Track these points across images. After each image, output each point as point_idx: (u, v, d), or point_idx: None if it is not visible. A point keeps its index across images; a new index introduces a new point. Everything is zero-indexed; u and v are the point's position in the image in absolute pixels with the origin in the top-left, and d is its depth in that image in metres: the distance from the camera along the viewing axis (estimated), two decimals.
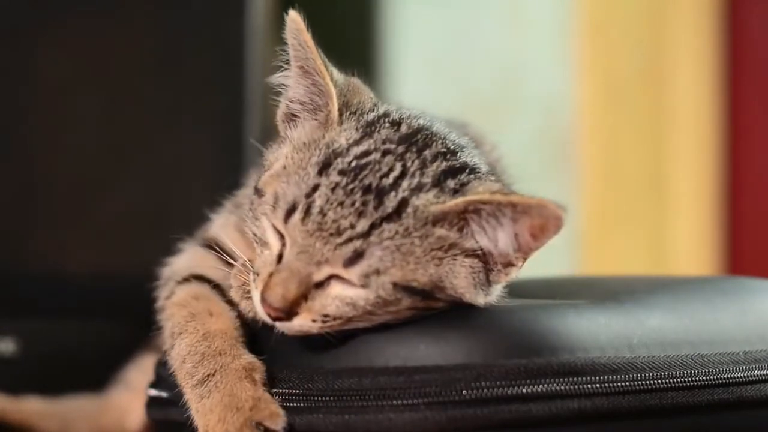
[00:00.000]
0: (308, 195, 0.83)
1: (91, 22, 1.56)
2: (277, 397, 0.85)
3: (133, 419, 1.21)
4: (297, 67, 0.89)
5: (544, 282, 1.09)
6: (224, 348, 0.87)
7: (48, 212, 1.53)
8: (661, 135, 2.25)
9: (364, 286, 0.82)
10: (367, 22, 2.21)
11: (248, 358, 0.87)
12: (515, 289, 0.99)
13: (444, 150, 0.87)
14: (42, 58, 1.53)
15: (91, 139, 1.54)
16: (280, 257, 0.84)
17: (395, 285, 0.82)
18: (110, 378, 1.27)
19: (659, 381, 0.84)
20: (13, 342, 1.47)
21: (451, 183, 0.85)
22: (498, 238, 0.84)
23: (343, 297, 0.82)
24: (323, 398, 0.83)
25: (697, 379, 0.86)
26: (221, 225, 0.98)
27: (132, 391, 1.21)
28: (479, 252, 0.84)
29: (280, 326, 0.84)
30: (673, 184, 2.25)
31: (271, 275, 0.83)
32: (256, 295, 0.84)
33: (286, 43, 0.89)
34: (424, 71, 2.23)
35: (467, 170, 0.86)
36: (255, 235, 0.87)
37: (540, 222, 0.82)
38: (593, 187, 2.19)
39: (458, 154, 0.88)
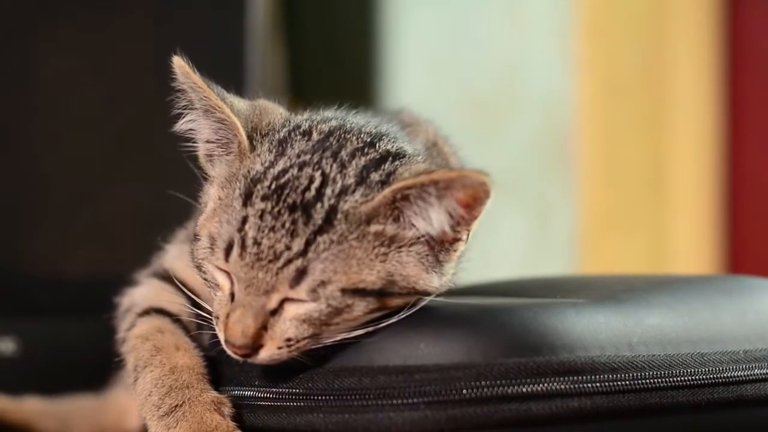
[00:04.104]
0: (240, 229, 0.82)
1: (92, 23, 1.56)
2: (277, 396, 0.85)
3: (132, 419, 1.21)
4: (197, 109, 0.89)
5: (543, 281, 1.09)
6: (191, 382, 0.87)
7: (48, 213, 1.53)
8: (661, 134, 2.24)
9: (313, 299, 0.82)
10: (368, 22, 2.21)
11: (215, 393, 0.87)
12: (515, 289, 0.99)
13: (360, 145, 0.87)
14: (42, 59, 1.53)
15: (92, 140, 1.55)
16: (233, 296, 0.84)
17: (344, 291, 0.81)
18: (110, 378, 1.27)
19: (659, 380, 0.84)
20: (13, 342, 1.47)
21: (375, 176, 0.84)
22: (432, 218, 0.83)
23: (298, 316, 0.82)
24: (323, 398, 0.83)
25: (697, 377, 0.86)
26: (176, 256, 0.98)
27: None
28: (422, 237, 0.84)
29: (252, 361, 0.84)
30: (673, 184, 2.25)
31: (228, 315, 0.83)
32: (221, 338, 0.84)
33: (179, 90, 0.89)
34: (424, 71, 2.23)
35: (390, 158, 0.86)
36: (206, 280, 0.87)
37: (468, 192, 0.82)
38: (593, 187, 2.19)
39: (377, 145, 0.87)
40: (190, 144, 0.91)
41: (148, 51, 1.56)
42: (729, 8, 2.33)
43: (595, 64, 2.18)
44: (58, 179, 1.54)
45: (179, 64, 0.87)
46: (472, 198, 0.82)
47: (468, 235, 0.85)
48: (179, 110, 0.90)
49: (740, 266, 2.30)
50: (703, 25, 2.29)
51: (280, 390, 0.85)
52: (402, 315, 0.83)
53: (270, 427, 0.86)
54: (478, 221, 0.84)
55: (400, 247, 0.83)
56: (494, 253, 2.13)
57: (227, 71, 1.56)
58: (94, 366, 1.24)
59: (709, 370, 0.87)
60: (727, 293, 0.97)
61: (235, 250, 0.82)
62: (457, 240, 0.85)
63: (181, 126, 0.91)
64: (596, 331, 0.85)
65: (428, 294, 0.85)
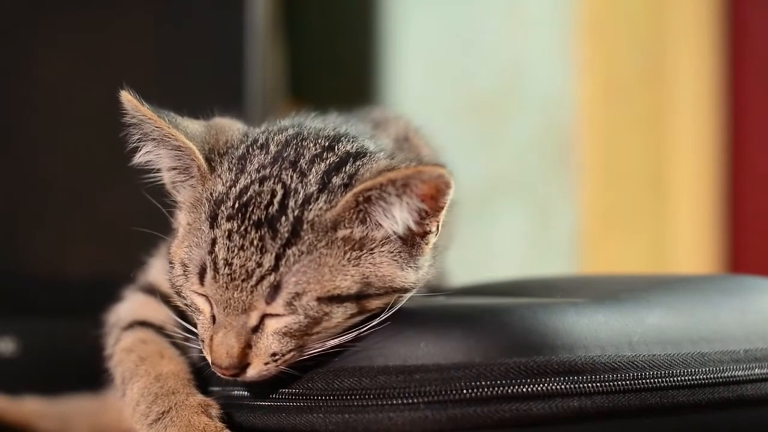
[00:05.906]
0: (210, 251, 0.82)
1: (92, 23, 1.56)
2: (277, 396, 0.85)
3: None
4: (152, 140, 0.88)
5: (543, 281, 1.09)
6: (177, 387, 0.88)
7: (48, 213, 1.53)
8: (662, 134, 2.24)
9: (291, 312, 0.81)
10: (368, 22, 2.21)
11: (202, 396, 0.87)
12: (515, 289, 0.99)
13: (319, 150, 0.86)
14: (41, 58, 1.53)
15: (92, 140, 1.54)
16: (214, 318, 0.84)
17: (320, 300, 0.81)
18: (109, 378, 1.27)
19: (659, 379, 0.84)
20: (13, 342, 1.47)
21: (337, 180, 0.84)
22: (396, 216, 0.83)
23: (279, 330, 0.82)
24: (323, 398, 0.83)
25: (697, 377, 0.86)
26: (161, 270, 0.98)
27: None
28: (391, 236, 0.84)
29: (242, 380, 0.84)
30: (673, 184, 2.25)
31: (212, 338, 0.83)
32: (209, 360, 0.84)
33: (131, 125, 0.88)
34: (425, 71, 2.23)
35: (351, 159, 0.86)
36: (187, 305, 0.87)
37: (429, 186, 0.81)
38: (593, 187, 2.19)
39: (336, 147, 0.87)
40: (155, 174, 0.91)
41: (148, 51, 1.56)
42: (729, 8, 2.33)
43: (595, 64, 2.18)
44: (58, 179, 1.54)
45: (127, 98, 0.87)
46: (434, 190, 0.81)
47: (438, 226, 0.85)
48: (135, 144, 0.89)
49: (740, 266, 2.30)
50: (703, 25, 2.29)
51: (280, 390, 0.85)
52: (384, 316, 0.83)
53: (270, 427, 0.86)
54: (445, 212, 0.84)
55: (371, 248, 0.83)
56: (494, 253, 2.13)
57: (227, 71, 1.56)
58: (94, 366, 1.24)
59: (709, 369, 0.87)
60: (728, 293, 0.97)
61: (209, 273, 0.82)
62: (427, 233, 0.84)
63: (139, 159, 0.90)
64: (596, 330, 0.85)
65: (407, 291, 0.85)
